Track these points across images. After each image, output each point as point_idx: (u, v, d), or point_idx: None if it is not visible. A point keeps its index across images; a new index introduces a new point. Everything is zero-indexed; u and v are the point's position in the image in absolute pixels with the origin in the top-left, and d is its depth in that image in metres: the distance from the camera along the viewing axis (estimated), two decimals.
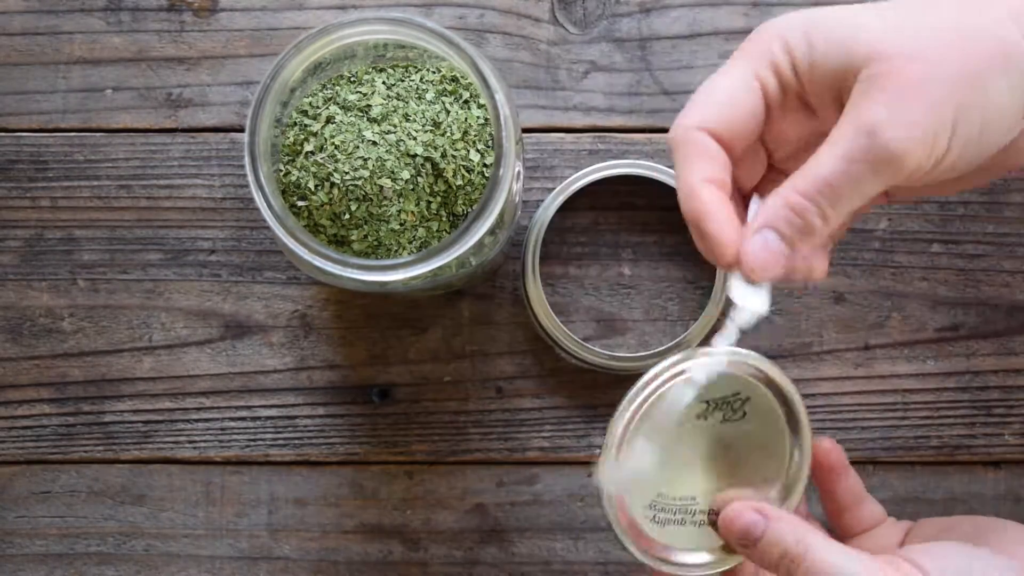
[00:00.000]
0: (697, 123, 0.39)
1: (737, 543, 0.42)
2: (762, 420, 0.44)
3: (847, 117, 0.37)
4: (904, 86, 0.36)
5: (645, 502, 0.43)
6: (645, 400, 0.41)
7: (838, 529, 0.49)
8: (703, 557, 0.44)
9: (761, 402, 0.43)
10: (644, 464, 0.42)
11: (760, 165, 0.43)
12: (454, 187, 0.47)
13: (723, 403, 0.43)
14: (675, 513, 0.43)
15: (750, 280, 0.39)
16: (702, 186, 0.39)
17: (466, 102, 0.48)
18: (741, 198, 0.43)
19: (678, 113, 0.41)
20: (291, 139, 0.47)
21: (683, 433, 0.43)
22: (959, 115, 0.36)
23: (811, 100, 0.40)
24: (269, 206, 0.45)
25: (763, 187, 0.43)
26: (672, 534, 0.43)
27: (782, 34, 0.39)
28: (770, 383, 0.43)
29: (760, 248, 0.38)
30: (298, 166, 0.47)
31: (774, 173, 0.43)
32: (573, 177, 0.55)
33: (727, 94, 0.39)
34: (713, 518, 0.43)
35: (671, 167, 0.55)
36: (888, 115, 0.36)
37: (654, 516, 0.43)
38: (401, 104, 0.47)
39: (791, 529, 0.40)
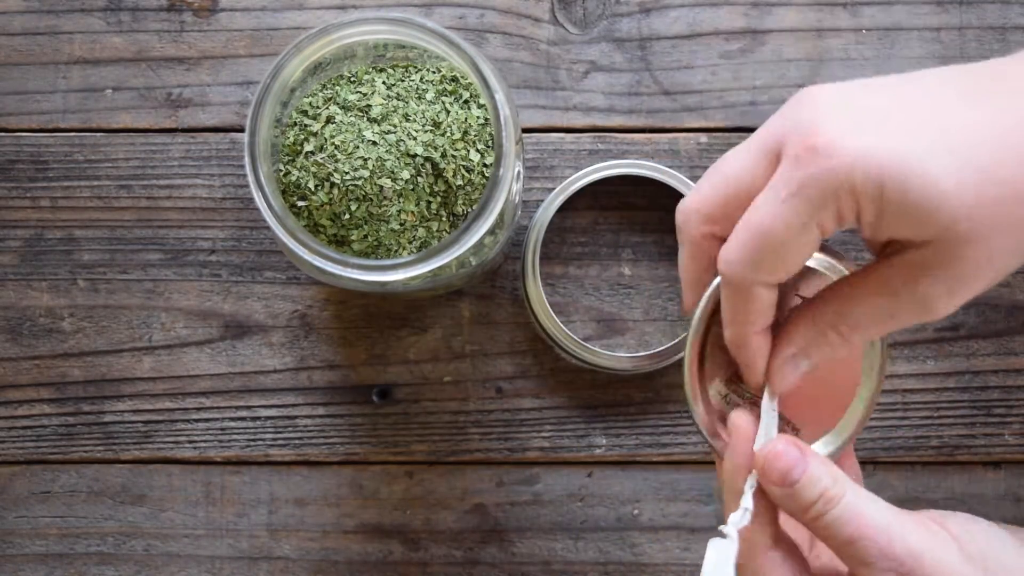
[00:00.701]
0: (762, 281, 0.39)
1: (776, 483, 0.40)
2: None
3: (903, 270, 0.37)
4: (967, 268, 0.36)
5: (723, 377, 0.43)
6: None
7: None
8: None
9: None
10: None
11: None
12: (454, 187, 0.47)
13: None
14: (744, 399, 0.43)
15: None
16: (754, 336, 0.40)
17: (466, 102, 0.48)
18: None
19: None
20: (291, 139, 0.47)
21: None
22: (995, 279, 0.37)
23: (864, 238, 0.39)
24: (269, 206, 0.45)
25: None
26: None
27: (853, 185, 0.35)
28: None
29: (792, 370, 0.41)
30: (298, 166, 0.47)
31: None
32: (573, 177, 0.55)
33: (795, 255, 0.38)
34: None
35: (671, 167, 0.55)
36: (946, 294, 0.37)
37: (726, 396, 0.43)
38: (401, 104, 0.47)
39: (829, 471, 0.40)
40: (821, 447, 0.43)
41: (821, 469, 0.40)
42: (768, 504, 0.41)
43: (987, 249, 0.36)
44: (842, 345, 0.39)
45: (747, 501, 0.40)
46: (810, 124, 0.36)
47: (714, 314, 0.42)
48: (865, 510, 0.39)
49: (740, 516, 0.40)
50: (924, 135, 0.36)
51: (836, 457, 0.43)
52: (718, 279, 0.41)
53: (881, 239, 0.38)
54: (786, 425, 0.43)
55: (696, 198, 0.41)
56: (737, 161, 0.40)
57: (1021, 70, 0.38)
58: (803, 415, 0.43)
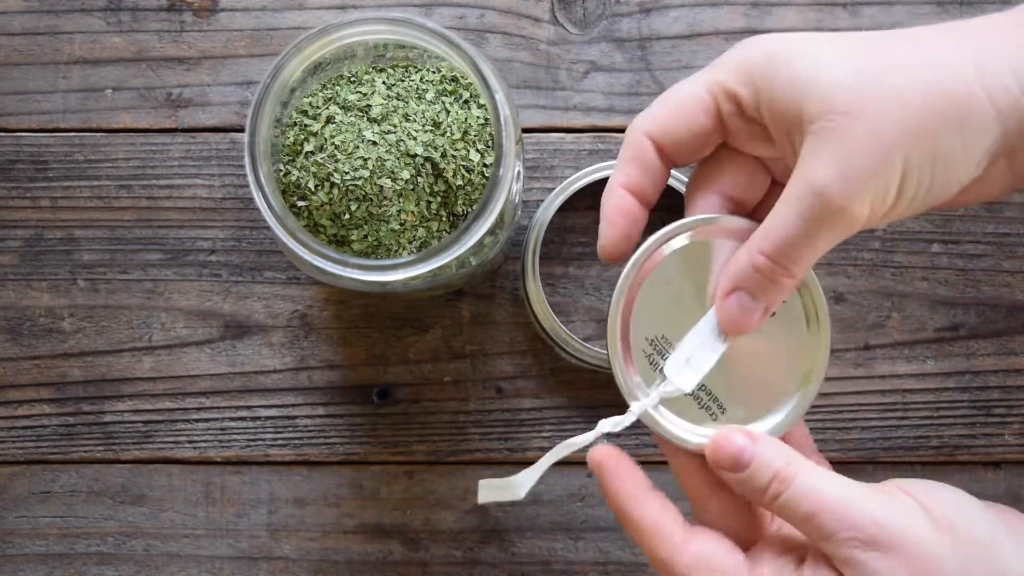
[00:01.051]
0: (644, 128, 0.42)
1: (728, 468, 0.40)
2: (786, 328, 0.43)
3: (798, 173, 0.38)
4: (852, 145, 0.37)
5: (648, 335, 0.43)
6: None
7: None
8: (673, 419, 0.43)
9: (792, 310, 0.42)
10: (663, 297, 0.43)
11: (761, 182, 0.43)
12: (454, 187, 0.47)
13: None
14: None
15: (719, 337, 0.42)
16: (617, 189, 0.42)
17: (466, 102, 0.48)
18: (740, 209, 0.44)
19: None
20: (291, 139, 0.47)
21: (700, 291, 0.43)
22: (908, 169, 0.37)
23: (769, 132, 0.40)
24: (269, 206, 0.45)
25: (767, 201, 0.44)
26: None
27: (748, 63, 0.40)
28: (809, 299, 0.42)
29: (736, 307, 0.40)
30: (298, 166, 0.47)
31: (778, 187, 0.44)
32: (573, 177, 0.55)
33: (675, 107, 0.41)
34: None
35: None
36: (835, 174, 0.37)
37: (650, 355, 0.43)
38: (401, 104, 0.47)
39: (780, 452, 0.40)
40: (761, 426, 0.43)
41: (772, 451, 0.40)
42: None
43: (867, 122, 0.36)
44: (775, 272, 0.39)
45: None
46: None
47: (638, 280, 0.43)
48: (821, 485, 0.39)
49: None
50: (817, 39, 0.39)
51: (779, 434, 0.43)
52: (652, 238, 0.43)
53: (776, 121, 0.39)
54: (712, 402, 0.43)
55: (645, 120, 0.43)
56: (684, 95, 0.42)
57: (929, 33, 0.39)
58: (734, 396, 0.43)
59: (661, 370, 0.42)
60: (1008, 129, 0.37)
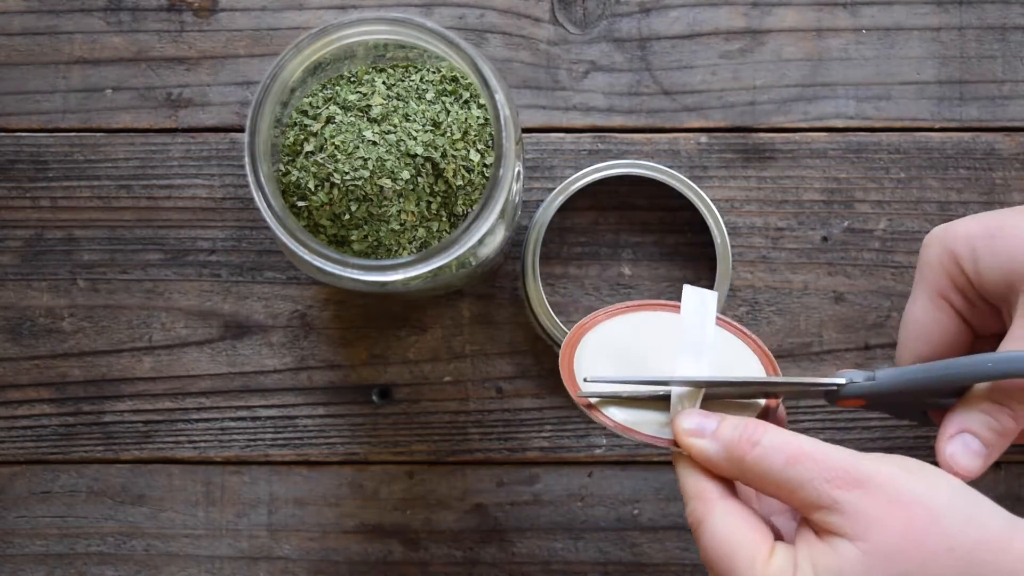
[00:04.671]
0: (909, 362, 0.46)
1: (695, 434, 0.42)
2: None
3: (1019, 322, 0.41)
4: None
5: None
6: None
7: None
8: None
9: None
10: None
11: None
12: (454, 187, 0.47)
13: None
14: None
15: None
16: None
17: (466, 102, 0.48)
18: None
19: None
20: (291, 139, 0.47)
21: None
22: None
23: (988, 300, 0.44)
24: (269, 206, 0.45)
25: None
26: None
27: (951, 249, 0.44)
28: None
29: (961, 450, 0.43)
30: (298, 166, 0.47)
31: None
32: (573, 177, 0.55)
33: (925, 334, 0.46)
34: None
35: (671, 167, 0.55)
36: None
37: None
38: (401, 104, 0.47)
39: (742, 419, 0.41)
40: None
41: (734, 418, 0.41)
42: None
43: None
44: (1005, 418, 0.42)
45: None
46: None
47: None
48: (792, 438, 0.40)
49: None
50: (1007, 213, 0.44)
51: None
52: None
53: (991, 289, 0.43)
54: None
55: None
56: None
57: None
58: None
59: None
60: None
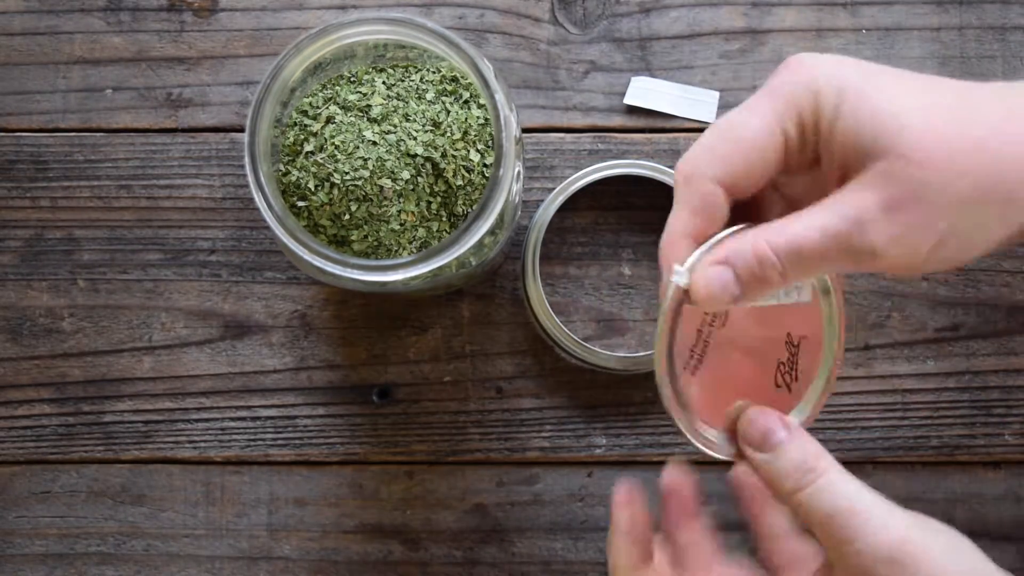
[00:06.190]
0: (710, 174, 0.39)
1: (755, 445, 0.40)
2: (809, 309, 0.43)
3: (843, 196, 0.37)
4: (907, 196, 0.36)
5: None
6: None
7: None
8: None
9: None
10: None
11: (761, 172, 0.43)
12: (454, 187, 0.47)
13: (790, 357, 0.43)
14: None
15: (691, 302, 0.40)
16: (681, 240, 0.40)
17: (466, 102, 0.48)
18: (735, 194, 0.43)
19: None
20: (291, 139, 0.47)
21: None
22: (946, 236, 0.37)
23: (820, 156, 0.39)
24: (269, 206, 0.45)
25: (761, 197, 0.43)
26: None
27: (816, 87, 0.38)
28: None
29: (715, 278, 0.38)
30: (298, 166, 0.47)
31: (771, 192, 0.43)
32: (573, 177, 0.55)
33: (748, 147, 0.39)
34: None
35: (671, 167, 0.55)
36: (880, 215, 0.36)
37: (692, 368, 0.42)
38: (401, 104, 0.47)
39: (813, 445, 0.39)
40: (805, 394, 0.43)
41: (804, 442, 0.39)
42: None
43: (930, 176, 0.36)
44: (767, 264, 0.38)
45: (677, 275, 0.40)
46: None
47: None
48: (848, 487, 0.38)
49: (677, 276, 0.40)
50: (889, 75, 0.38)
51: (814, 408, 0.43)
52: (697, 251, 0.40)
53: (837, 150, 0.38)
54: (790, 372, 0.43)
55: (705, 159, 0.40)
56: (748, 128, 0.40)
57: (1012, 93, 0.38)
58: (806, 369, 0.43)
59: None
60: None
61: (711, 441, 0.42)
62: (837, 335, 0.43)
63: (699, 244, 0.40)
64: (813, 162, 0.40)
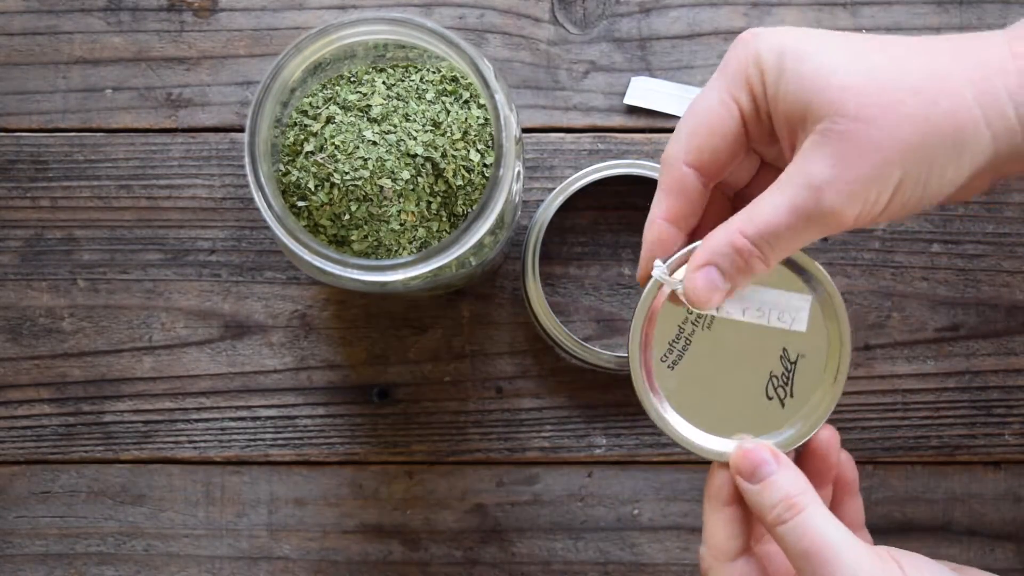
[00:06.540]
0: (681, 157, 0.42)
1: (745, 476, 0.42)
2: (813, 330, 0.44)
3: (796, 166, 0.38)
4: (854, 151, 0.37)
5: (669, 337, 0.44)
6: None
7: None
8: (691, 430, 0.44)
9: (813, 313, 0.44)
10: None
11: (752, 164, 0.45)
12: (454, 187, 0.47)
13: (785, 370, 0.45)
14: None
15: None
16: (659, 222, 0.43)
17: (466, 102, 0.48)
18: (732, 199, 0.46)
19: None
20: (291, 139, 0.47)
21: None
22: (902, 181, 0.38)
23: (773, 128, 0.41)
24: (269, 206, 0.45)
25: (756, 183, 0.45)
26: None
27: (758, 55, 0.40)
28: (825, 297, 0.44)
29: (703, 282, 0.41)
30: (298, 166, 0.47)
31: (767, 169, 0.45)
32: (573, 177, 0.55)
33: (708, 128, 0.41)
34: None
35: None
36: (833, 176, 0.37)
37: (671, 363, 0.44)
38: (401, 104, 0.47)
39: (797, 480, 0.41)
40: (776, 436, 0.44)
41: (790, 477, 0.41)
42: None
43: (871, 132, 0.37)
44: (750, 255, 0.40)
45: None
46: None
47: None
48: (823, 528, 0.40)
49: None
50: (826, 38, 0.40)
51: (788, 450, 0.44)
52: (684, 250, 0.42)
53: (782, 114, 0.39)
54: (784, 387, 0.44)
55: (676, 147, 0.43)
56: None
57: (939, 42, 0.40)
58: (804, 386, 0.44)
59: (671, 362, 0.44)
60: (999, 150, 0.38)
61: (681, 435, 0.44)
62: (839, 365, 0.44)
63: (675, 225, 0.42)
64: (771, 132, 0.41)
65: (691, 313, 0.44)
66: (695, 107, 0.42)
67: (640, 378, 0.43)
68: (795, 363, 0.44)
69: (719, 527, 0.42)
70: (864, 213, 0.38)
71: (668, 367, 0.44)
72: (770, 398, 0.44)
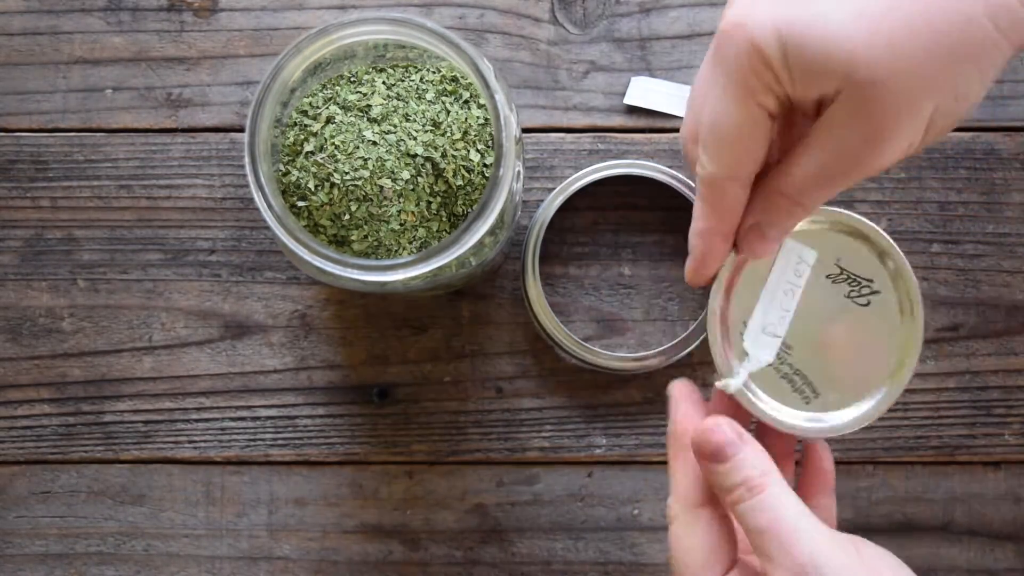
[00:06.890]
0: (725, 175, 0.40)
1: (708, 458, 0.41)
2: (881, 318, 0.44)
3: (826, 126, 0.38)
4: (885, 115, 0.37)
5: (745, 319, 0.44)
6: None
7: None
8: (766, 398, 0.44)
9: (887, 301, 0.43)
10: (758, 287, 0.43)
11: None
12: (454, 187, 0.47)
13: (854, 279, 0.44)
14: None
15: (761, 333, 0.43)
16: (711, 238, 0.42)
17: (466, 102, 0.48)
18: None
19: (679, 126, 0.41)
20: (291, 139, 0.47)
21: (809, 285, 0.44)
22: (934, 117, 0.37)
23: (794, 104, 0.40)
24: (269, 206, 0.45)
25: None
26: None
27: (759, 49, 0.38)
28: (904, 291, 0.43)
29: (756, 237, 0.41)
30: (298, 166, 0.47)
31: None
32: (573, 177, 0.55)
33: (738, 138, 0.40)
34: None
35: (671, 167, 0.55)
36: (864, 142, 0.37)
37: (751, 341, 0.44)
38: (401, 104, 0.47)
39: (760, 461, 0.40)
40: (851, 412, 0.43)
41: (753, 457, 0.40)
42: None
43: (892, 91, 0.36)
44: (793, 207, 0.40)
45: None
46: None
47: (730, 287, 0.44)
48: (782, 508, 0.39)
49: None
50: (817, 2, 0.38)
51: (864, 421, 0.43)
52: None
53: (809, 100, 0.38)
54: (806, 386, 0.43)
55: (683, 131, 0.43)
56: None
57: None
58: (827, 382, 0.44)
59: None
60: (1015, 44, 0.37)
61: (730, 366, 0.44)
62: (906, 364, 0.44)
63: (724, 237, 0.42)
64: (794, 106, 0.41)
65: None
66: (721, 123, 0.40)
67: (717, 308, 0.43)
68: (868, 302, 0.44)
69: (684, 471, 0.42)
70: (899, 157, 0.38)
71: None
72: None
